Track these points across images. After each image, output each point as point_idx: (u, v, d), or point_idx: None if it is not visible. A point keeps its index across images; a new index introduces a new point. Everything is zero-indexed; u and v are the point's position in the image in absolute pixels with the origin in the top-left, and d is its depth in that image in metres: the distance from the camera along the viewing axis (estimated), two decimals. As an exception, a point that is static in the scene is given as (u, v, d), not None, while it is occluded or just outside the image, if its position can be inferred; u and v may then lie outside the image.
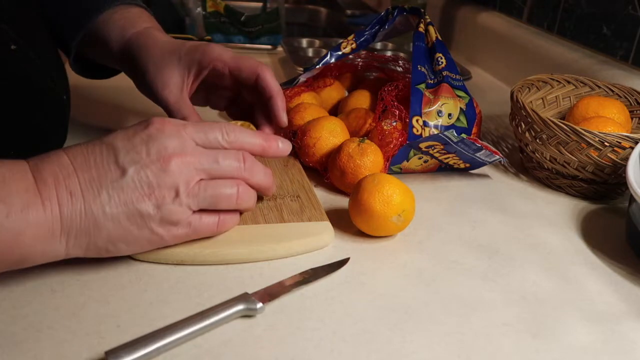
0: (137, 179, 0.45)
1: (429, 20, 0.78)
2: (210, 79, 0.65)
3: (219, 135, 0.50)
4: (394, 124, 0.69)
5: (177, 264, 0.52)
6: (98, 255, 0.47)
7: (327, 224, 0.58)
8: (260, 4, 1.41)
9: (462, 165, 0.74)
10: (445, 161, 0.72)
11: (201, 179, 0.49)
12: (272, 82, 0.63)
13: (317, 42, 1.23)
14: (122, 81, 0.73)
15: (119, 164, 0.45)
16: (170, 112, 0.63)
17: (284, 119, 0.64)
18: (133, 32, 0.66)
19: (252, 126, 0.64)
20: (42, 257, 0.45)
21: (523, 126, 0.74)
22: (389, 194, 0.56)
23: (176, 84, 0.63)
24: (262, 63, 0.64)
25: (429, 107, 0.70)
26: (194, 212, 0.49)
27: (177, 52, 0.64)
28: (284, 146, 0.55)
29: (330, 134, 0.69)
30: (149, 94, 0.65)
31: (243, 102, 0.69)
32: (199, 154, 0.48)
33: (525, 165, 0.79)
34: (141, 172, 0.46)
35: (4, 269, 0.44)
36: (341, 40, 0.81)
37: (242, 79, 0.64)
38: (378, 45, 1.24)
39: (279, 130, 0.68)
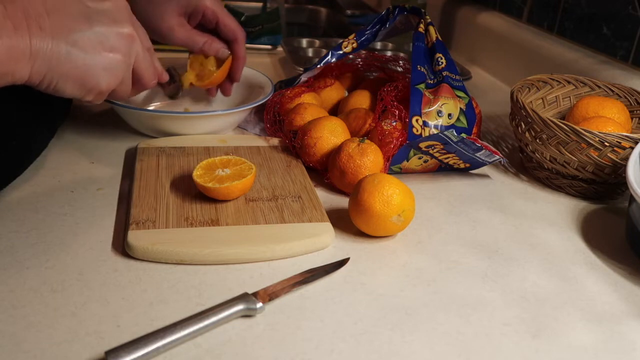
0: (101, 35, 0.52)
1: (429, 20, 0.78)
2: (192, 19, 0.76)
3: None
4: (394, 123, 0.69)
5: (177, 264, 0.52)
6: (46, 89, 0.51)
7: (328, 225, 0.58)
8: (260, 4, 1.41)
9: (462, 165, 0.74)
10: (445, 161, 0.72)
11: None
12: (242, 51, 0.78)
13: (317, 42, 1.23)
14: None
15: (89, 19, 0.51)
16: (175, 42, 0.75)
17: (238, 78, 0.80)
18: None
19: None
20: (5, 79, 0.48)
21: (523, 126, 0.74)
22: (389, 194, 0.56)
23: (178, 23, 0.74)
24: (241, 29, 0.77)
25: (429, 107, 0.70)
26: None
27: None
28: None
29: (331, 134, 0.69)
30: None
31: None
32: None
33: (525, 165, 0.79)
34: (104, 30, 0.53)
35: None
36: (342, 40, 0.81)
37: (219, 31, 0.76)
38: (378, 45, 1.24)
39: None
